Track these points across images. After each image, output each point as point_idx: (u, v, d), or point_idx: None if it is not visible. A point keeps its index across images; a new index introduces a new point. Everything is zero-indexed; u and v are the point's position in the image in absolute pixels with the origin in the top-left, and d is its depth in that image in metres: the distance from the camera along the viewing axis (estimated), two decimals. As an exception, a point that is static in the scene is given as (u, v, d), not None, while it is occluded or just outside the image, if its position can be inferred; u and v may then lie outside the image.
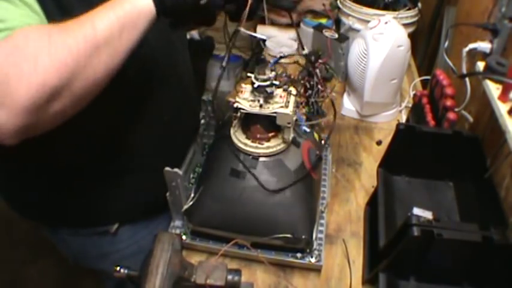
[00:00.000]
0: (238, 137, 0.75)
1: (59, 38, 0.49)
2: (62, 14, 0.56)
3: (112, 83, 0.56)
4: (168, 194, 0.75)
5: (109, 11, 0.54)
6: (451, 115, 0.82)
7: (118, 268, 0.58)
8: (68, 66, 0.49)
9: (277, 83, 0.71)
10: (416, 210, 0.59)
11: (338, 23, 1.35)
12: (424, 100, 0.95)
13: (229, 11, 0.64)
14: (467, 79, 0.87)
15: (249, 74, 0.72)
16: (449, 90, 0.85)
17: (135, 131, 0.76)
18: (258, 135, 0.74)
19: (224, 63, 0.68)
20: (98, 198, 0.79)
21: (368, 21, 1.08)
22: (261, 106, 0.71)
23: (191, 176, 0.86)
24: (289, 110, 0.70)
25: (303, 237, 0.71)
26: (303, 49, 0.76)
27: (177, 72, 0.82)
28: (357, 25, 1.22)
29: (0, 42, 0.48)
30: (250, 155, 0.73)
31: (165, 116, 0.80)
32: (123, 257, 0.87)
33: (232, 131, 0.76)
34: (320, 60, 0.96)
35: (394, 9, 1.22)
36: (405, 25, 1.13)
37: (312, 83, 0.91)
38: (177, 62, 0.83)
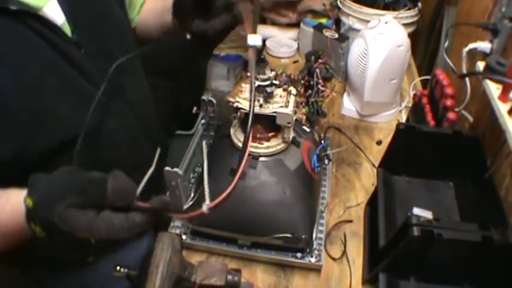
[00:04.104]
0: (238, 137, 0.75)
1: None
2: None
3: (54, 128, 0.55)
4: (168, 193, 0.75)
5: None
6: (451, 115, 0.82)
7: (118, 268, 0.58)
8: None
9: (277, 82, 0.71)
10: (416, 210, 0.59)
11: (338, 23, 1.36)
12: (424, 100, 0.95)
13: None
14: (467, 79, 0.87)
15: (249, 74, 0.72)
16: (449, 90, 0.85)
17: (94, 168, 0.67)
18: (258, 135, 0.74)
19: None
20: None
21: (368, 21, 1.08)
22: (261, 106, 0.71)
23: (191, 176, 0.86)
24: (289, 110, 0.70)
25: (303, 237, 0.71)
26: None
27: (127, 100, 0.75)
28: (357, 25, 1.22)
29: None
30: (250, 154, 0.73)
31: (121, 149, 0.74)
32: (107, 281, 0.80)
33: (232, 131, 0.76)
34: (320, 60, 0.96)
35: (394, 9, 1.22)
36: (405, 25, 1.13)
37: (312, 82, 0.91)
38: (124, 89, 0.74)
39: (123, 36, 0.73)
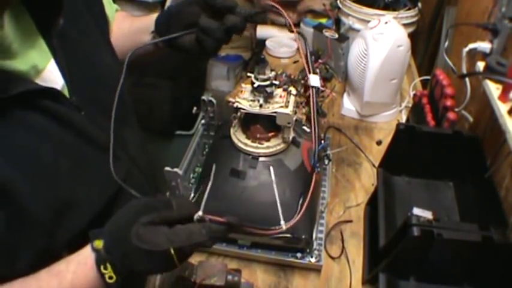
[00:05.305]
0: (238, 137, 0.75)
1: None
2: None
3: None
4: (168, 194, 0.75)
5: None
6: (451, 115, 0.82)
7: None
8: None
9: (277, 82, 0.71)
10: (416, 210, 0.59)
11: (338, 23, 1.36)
12: (424, 100, 0.95)
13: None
14: (467, 79, 0.87)
15: (249, 74, 0.72)
16: (449, 90, 0.85)
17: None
18: (258, 135, 0.74)
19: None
20: None
21: (368, 21, 1.08)
22: (261, 106, 0.71)
23: (191, 176, 0.86)
24: (289, 110, 0.70)
25: (303, 237, 0.71)
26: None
27: (131, 156, 0.67)
28: (357, 25, 1.22)
29: None
30: (250, 155, 0.73)
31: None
32: None
33: (232, 131, 0.76)
34: (320, 60, 0.96)
35: (394, 9, 1.22)
36: (405, 25, 1.13)
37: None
38: (127, 145, 0.66)
39: (113, 82, 0.60)
